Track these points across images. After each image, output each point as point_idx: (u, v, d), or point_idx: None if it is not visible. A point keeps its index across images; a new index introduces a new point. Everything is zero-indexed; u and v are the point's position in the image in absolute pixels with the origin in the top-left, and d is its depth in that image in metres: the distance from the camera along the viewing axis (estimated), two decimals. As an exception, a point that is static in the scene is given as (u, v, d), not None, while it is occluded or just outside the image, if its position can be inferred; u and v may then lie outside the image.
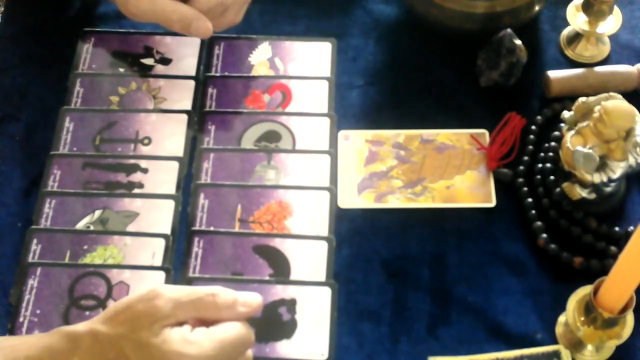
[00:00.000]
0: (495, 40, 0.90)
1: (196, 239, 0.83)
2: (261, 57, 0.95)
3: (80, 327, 0.65)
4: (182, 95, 0.92)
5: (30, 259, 0.82)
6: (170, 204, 0.85)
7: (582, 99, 0.80)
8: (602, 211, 0.83)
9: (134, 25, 0.96)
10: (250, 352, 0.69)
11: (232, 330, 0.66)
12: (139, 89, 0.92)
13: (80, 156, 0.88)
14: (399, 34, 0.97)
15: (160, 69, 0.94)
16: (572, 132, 0.80)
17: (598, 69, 0.91)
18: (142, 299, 0.64)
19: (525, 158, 0.86)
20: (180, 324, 0.65)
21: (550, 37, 0.96)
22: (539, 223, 0.82)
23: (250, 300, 0.69)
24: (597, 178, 0.78)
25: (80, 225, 0.84)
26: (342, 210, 0.84)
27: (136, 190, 0.86)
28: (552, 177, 0.84)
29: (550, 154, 0.86)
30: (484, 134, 0.89)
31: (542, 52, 0.95)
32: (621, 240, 0.81)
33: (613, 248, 0.81)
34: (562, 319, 0.77)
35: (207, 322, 0.66)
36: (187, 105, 0.91)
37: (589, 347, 0.75)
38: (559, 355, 0.75)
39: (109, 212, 0.84)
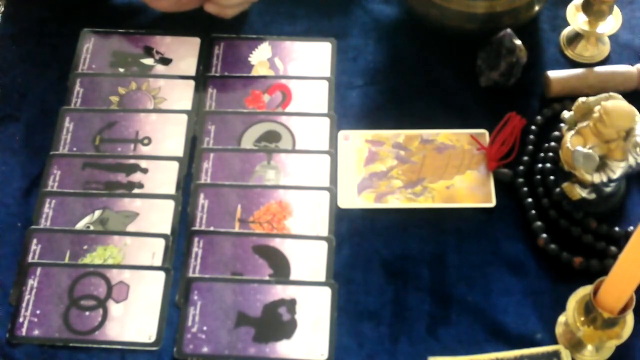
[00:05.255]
0: (495, 40, 0.89)
1: (196, 239, 0.83)
2: (261, 57, 0.95)
3: None
4: (182, 95, 0.92)
5: (30, 259, 0.82)
6: (170, 204, 0.85)
7: (582, 99, 0.80)
8: (602, 211, 0.83)
9: (134, 25, 0.96)
10: None
11: None
12: (139, 89, 0.92)
13: (80, 156, 0.88)
14: (399, 34, 0.97)
15: (160, 69, 0.94)
16: (572, 132, 0.80)
17: (598, 69, 0.91)
18: None
19: (525, 158, 0.86)
20: None
21: (550, 37, 0.96)
22: (539, 223, 0.82)
23: None
24: (597, 178, 0.78)
25: (80, 225, 0.84)
26: (342, 210, 0.84)
27: (136, 191, 0.86)
28: (552, 177, 0.84)
29: (550, 154, 0.86)
30: (484, 134, 0.89)
31: (542, 52, 0.95)
32: (621, 240, 0.81)
33: (613, 248, 0.81)
34: (562, 319, 0.77)
35: None
36: (187, 105, 0.91)
37: (589, 347, 0.75)
38: (558, 355, 0.75)
39: (109, 212, 0.84)
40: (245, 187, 0.86)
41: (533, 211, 0.83)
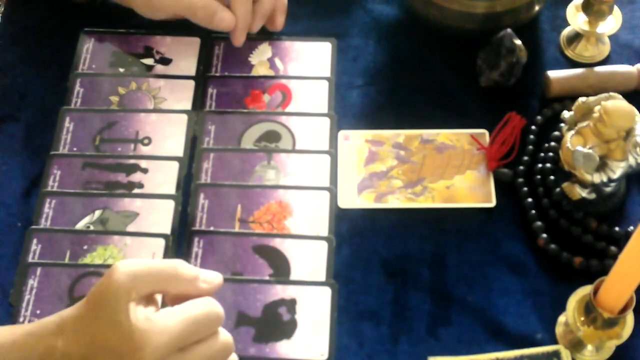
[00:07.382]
0: (495, 40, 0.90)
1: (196, 239, 0.83)
2: (261, 57, 0.95)
3: (64, 316, 0.65)
4: (182, 95, 0.92)
5: (30, 259, 0.82)
6: (170, 204, 0.85)
7: (582, 99, 0.80)
8: (602, 211, 0.83)
9: (134, 25, 0.96)
10: (224, 333, 0.67)
11: (198, 308, 0.65)
12: (139, 89, 0.92)
13: (80, 156, 0.88)
14: (399, 34, 0.97)
15: (160, 69, 0.94)
16: (572, 132, 0.80)
17: (598, 69, 0.91)
18: (103, 278, 0.63)
19: (525, 158, 0.86)
20: (147, 301, 0.64)
21: (550, 37, 0.96)
22: (539, 223, 0.82)
23: (212, 277, 0.68)
24: (597, 178, 0.78)
25: (80, 225, 0.84)
26: (342, 210, 0.84)
27: (136, 190, 0.86)
28: (552, 177, 0.84)
29: (550, 154, 0.86)
30: (484, 134, 0.89)
31: (542, 52, 0.95)
32: (621, 240, 0.81)
33: (613, 248, 0.81)
34: (562, 319, 0.77)
35: (176, 301, 0.65)
36: (187, 105, 0.91)
37: (589, 347, 0.75)
38: (559, 355, 0.75)
39: (109, 212, 0.84)
40: (245, 187, 0.86)
41: (533, 211, 0.83)
